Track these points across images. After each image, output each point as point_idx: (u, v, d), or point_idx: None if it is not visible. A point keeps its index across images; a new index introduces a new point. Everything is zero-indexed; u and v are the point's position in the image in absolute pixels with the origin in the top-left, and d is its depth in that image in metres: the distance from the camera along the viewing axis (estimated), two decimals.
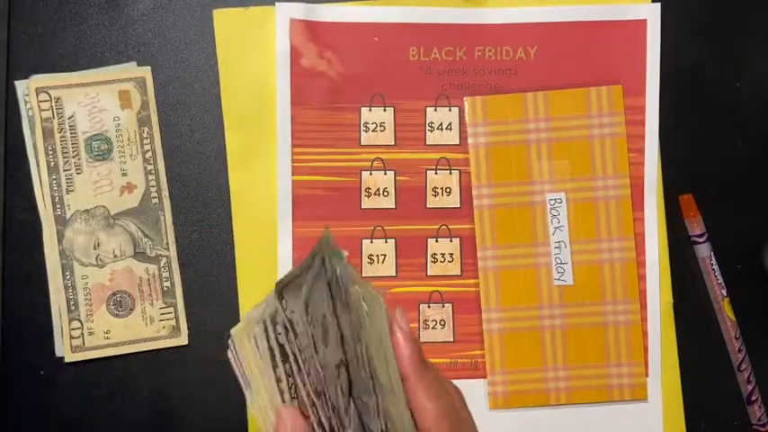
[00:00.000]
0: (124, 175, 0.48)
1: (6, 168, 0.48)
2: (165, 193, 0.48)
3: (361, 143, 0.49)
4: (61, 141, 0.47)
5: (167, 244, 0.48)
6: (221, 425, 0.48)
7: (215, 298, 0.49)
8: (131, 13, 0.49)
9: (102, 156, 0.47)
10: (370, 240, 0.49)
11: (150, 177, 0.48)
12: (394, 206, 0.49)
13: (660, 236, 0.49)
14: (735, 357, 0.50)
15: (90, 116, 0.47)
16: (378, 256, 0.49)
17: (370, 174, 0.49)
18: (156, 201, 0.48)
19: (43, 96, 0.47)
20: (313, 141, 0.49)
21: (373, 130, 0.49)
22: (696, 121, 0.50)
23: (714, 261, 0.49)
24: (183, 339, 0.48)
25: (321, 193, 0.49)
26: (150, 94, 0.48)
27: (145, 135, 0.48)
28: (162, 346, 0.48)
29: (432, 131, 0.49)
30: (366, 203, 0.49)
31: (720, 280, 0.49)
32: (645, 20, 0.49)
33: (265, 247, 0.48)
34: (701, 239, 0.49)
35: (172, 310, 0.48)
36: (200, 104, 0.49)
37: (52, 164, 0.47)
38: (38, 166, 0.47)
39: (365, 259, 0.49)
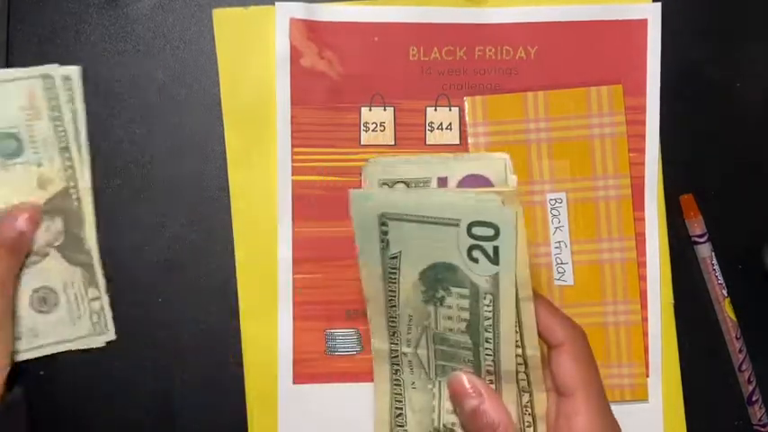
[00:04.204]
0: (41, 174, 0.47)
1: None
2: (89, 196, 0.47)
3: (361, 143, 0.49)
4: None
5: (89, 248, 0.48)
6: (223, 426, 0.48)
7: (214, 298, 0.48)
8: (131, 13, 0.49)
9: (13, 154, 0.46)
10: None
11: (69, 178, 0.47)
12: None
13: (661, 236, 0.49)
14: (735, 358, 0.50)
15: None
16: None
17: None
18: (76, 203, 0.47)
19: None
20: (313, 141, 0.49)
21: (373, 130, 0.49)
22: (696, 121, 0.50)
23: (715, 261, 0.49)
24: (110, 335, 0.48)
25: (321, 193, 0.49)
26: (73, 91, 0.47)
27: (62, 133, 0.47)
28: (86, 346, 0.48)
29: (432, 131, 0.49)
30: None
31: (721, 280, 0.49)
32: (645, 19, 0.49)
33: (265, 247, 0.48)
34: (702, 240, 0.49)
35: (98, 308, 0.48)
36: (200, 104, 0.49)
37: None
38: None
39: None
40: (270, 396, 0.48)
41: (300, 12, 0.48)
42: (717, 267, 0.49)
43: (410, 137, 0.49)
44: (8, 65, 0.48)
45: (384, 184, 0.40)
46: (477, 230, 0.36)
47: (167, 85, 0.49)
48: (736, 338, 0.49)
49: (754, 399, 0.50)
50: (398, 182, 0.40)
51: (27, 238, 0.46)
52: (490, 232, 0.36)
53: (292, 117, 0.49)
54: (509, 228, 0.35)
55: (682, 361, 0.49)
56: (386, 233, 0.38)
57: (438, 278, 0.38)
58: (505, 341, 0.37)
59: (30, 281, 0.47)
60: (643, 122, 0.49)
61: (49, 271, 0.47)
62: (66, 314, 0.48)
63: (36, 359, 0.48)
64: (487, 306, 0.37)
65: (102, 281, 0.48)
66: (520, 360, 0.38)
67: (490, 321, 0.37)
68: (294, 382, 0.48)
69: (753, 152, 0.51)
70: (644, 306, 0.49)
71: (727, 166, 0.50)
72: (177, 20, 0.49)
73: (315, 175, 0.49)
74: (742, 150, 0.50)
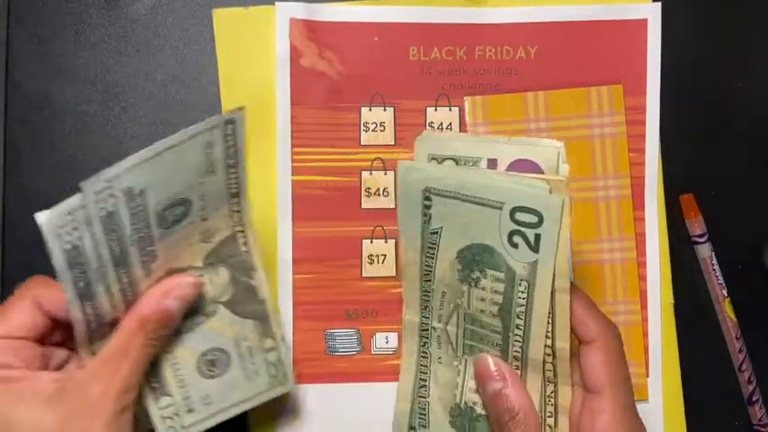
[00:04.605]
0: (206, 228, 0.40)
1: (6, 167, 0.48)
2: (255, 238, 0.42)
3: (361, 143, 0.49)
4: (132, 229, 0.37)
5: (263, 297, 0.43)
6: (223, 426, 0.48)
7: None
8: (131, 13, 0.49)
9: (178, 220, 0.39)
10: (370, 240, 0.49)
11: (237, 223, 0.41)
12: (394, 206, 0.49)
13: (661, 236, 0.49)
14: (735, 358, 0.50)
15: (160, 189, 0.37)
16: (378, 256, 0.49)
17: (370, 174, 0.49)
18: (244, 248, 0.42)
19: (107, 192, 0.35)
20: (313, 141, 0.49)
21: (373, 130, 0.49)
22: (696, 121, 0.50)
23: (715, 261, 0.49)
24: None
25: (321, 193, 0.49)
26: (239, 135, 0.39)
27: (232, 180, 0.40)
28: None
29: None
30: (366, 203, 0.49)
31: (721, 280, 0.49)
32: (645, 19, 0.49)
33: (265, 247, 0.48)
34: (702, 240, 0.49)
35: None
36: (201, 104, 0.49)
37: (117, 255, 0.37)
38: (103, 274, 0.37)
39: (365, 259, 0.49)
40: None
41: (300, 12, 0.48)
42: (717, 267, 0.49)
43: (410, 137, 0.49)
44: (7, 65, 0.48)
45: (433, 158, 0.39)
46: (520, 216, 0.35)
47: (167, 85, 0.49)
48: (736, 338, 0.49)
49: (754, 399, 0.50)
50: (448, 158, 0.39)
51: (173, 315, 0.39)
52: (533, 219, 0.35)
53: (292, 117, 0.49)
54: (553, 217, 0.34)
55: (682, 361, 0.49)
56: (428, 207, 0.38)
57: (475, 259, 0.37)
58: (536, 330, 0.37)
59: (196, 345, 0.41)
60: (643, 122, 0.49)
61: (217, 331, 0.41)
62: (241, 373, 0.42)
63: None
64: (522, 293, 0.37)
65: (278, 329, 0.43)
66: (549, 350, 0.37)
67: (523, 308, 0.37)
68: (294, 382, 0.48)
69: (753, 152, 0.50)
70: (644, 306, 0.49)
71: (727, 166, 0.50)
72: (177, 20, 0.49)
73: (315, 175, 0.49)
74: (742, 150, 0.50)
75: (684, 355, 0.49)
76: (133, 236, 0.37)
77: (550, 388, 0.38)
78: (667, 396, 0.49)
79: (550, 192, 0.34)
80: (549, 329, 0.37)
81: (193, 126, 0.37)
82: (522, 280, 0.36)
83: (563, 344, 0.37)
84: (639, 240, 0.49)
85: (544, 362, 0.38)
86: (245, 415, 0.48)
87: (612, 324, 0.39)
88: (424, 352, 0.42)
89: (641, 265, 0.49)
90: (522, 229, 0.35)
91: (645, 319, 0.49)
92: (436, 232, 0.38)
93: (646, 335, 0.49)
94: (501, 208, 0.36)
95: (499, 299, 0.37)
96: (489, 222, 0.36)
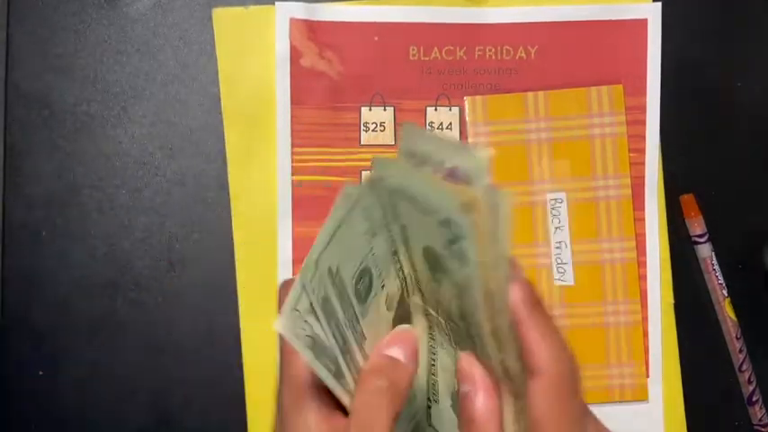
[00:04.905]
0: (387, 295, 0.39)
1: (6, 167, 0.48)
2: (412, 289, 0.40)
3: (361, 143, 0.49)
4: (342, 310, 0.36)
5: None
6: (223, 426, 0.48)
7: (214, 298, 0.48)
8: (131, 13, 0.49)
9: (368, 292, 0.37)
10: None
11: (402, 279, 0.39)
12: None
13: (661, 236, 0.49)
14: (736, 358, 0.50)
15: (347, 262, 0.36)
16: None
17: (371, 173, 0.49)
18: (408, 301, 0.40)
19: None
20: (313, 141, 0.49)
21: (373, 130, 0.49)
22: (696, 121, 0.50)
23: (715, 261, 0.49)
24: None
25: (321, 193, 0.49)
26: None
27: (390, 238, 0.38)
28: None
29: (432, 131, 0.49)
30: None
31: (721, 280, 0.49)
32: (645, 19, 0.49)
33: (265, 247, 0.48)
34: (702, 239, 0.49)
35: None
36: (200, 104, 0.49)
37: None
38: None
39: None
40: (270, 396, 0.48)
41: (300, 12, 0.48)
42: (717, 267, 0.49)
43: None
44: (7, 65, 0.48)
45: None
46: (447, 226, 0.32)
47: (167, 85, 0.49)
48: (737, 338, 0.49)
49: (754, 399, 0.50)
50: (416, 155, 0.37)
51: (409, 371, 0.36)
52: (456, 232, 0.32)
53: (292, 117, 0.49)
54: (468, 235, 0.31)
55: (682, 361, 0.49)
56: (395, 206, 0.35)
57: (432, 261, 0.35)
58: (487, 344, 0.34)
59: None
60: (643, 122, 0.49)
61: None
62: None
63: (35, 359, 0.48)
64: (469, 304, 0.34)
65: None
66: (503, 366, 0.34)
67: (474, 319, 0.34)
68: None
69: (753, 152, 0.50)
70: (644, 306, 0.49)
71: (727, 166, 0.50)
72: (177, 20, 0.49)
73: (315, 175, 0.49)
74: (742, 150, 0.50)
75: (684, 355, 0.49)
76: (344, 318, 0.35)
77: (519, 403, 0.35)
78: (667, 396, 0.49)
79: (461, 208, 0.31)
80: (500, 345, 0.34)
81: (350, 189, 0.34)
82: (464, 291, 0.34)
83: (513, 363, 0.34)
84: (639, 240, 0.49)
85: (506, 376, 0.35)
86: (245, 415, 0.48)
87: (568, 356, 0.33)
88: (431, 334, 0.41)
89: (641, 265, 0.49)
90: (452, 240, 0.32)
91: (645, 319, 0.49)
92: (405, 226, 0.36)
93: (646, 335, 0.49)
94: (433, 216, 0.33)
95: (458, 304, 0.35)
96: (431, 228, 0.33)
